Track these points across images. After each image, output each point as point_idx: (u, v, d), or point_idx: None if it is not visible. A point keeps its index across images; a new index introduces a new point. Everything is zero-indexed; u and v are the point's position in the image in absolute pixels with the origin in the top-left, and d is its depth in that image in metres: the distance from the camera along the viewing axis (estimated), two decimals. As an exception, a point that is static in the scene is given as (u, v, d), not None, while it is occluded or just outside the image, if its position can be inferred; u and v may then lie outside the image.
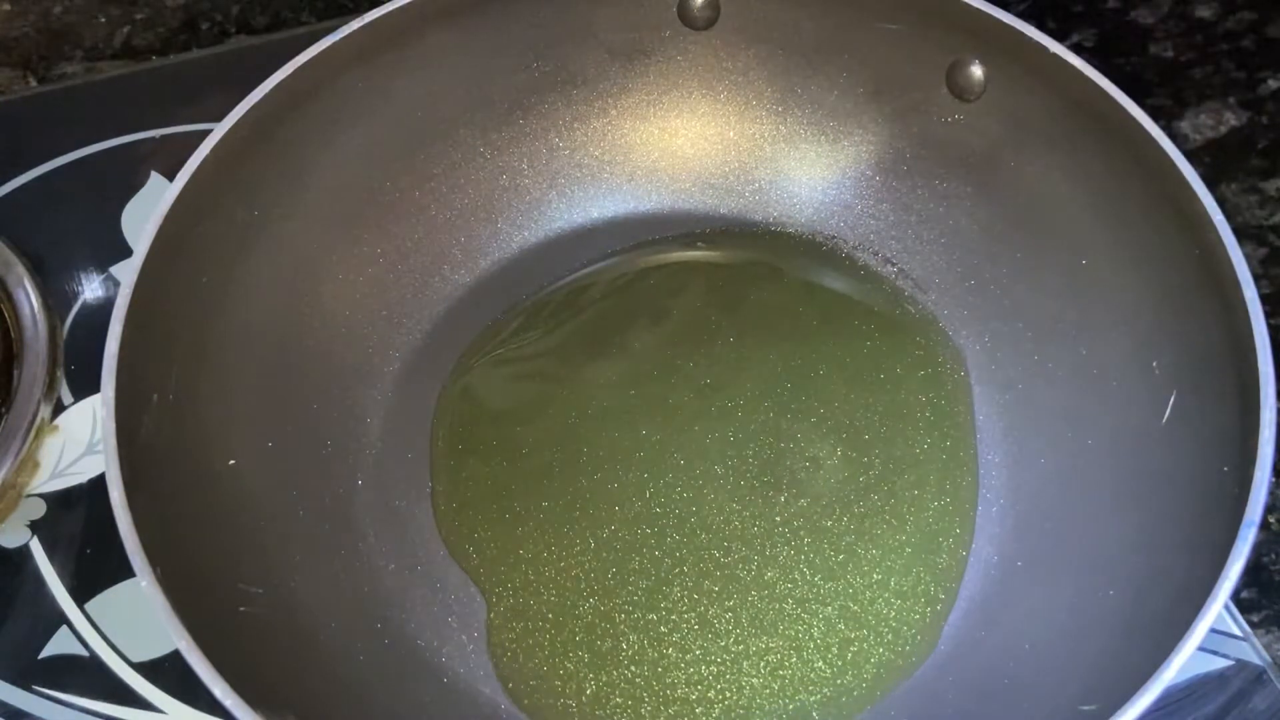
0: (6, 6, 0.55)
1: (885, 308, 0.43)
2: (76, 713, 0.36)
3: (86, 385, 0.42)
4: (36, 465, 0.41)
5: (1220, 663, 0.36)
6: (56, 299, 0.44)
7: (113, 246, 0.46)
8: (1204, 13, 0.54)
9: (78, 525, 0.40)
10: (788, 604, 0.37)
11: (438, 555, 0.38)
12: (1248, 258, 0.33)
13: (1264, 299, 0.32)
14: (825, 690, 0.35)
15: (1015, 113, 0.40)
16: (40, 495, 0.40)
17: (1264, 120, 0.50)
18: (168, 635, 0.28)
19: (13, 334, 0.43)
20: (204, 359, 0.36)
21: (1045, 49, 0.37)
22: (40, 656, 0.37)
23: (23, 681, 0.37)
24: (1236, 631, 0.37)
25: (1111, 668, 0.30)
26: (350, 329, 0.41)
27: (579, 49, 0.44)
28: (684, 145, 0.46)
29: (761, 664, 0.36)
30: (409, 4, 0.39)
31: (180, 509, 0.33)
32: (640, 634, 0.36)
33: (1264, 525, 0.29)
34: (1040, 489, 0.38)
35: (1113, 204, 0.37)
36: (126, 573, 0.32)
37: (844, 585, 0.37)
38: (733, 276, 0.44)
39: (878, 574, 0.37)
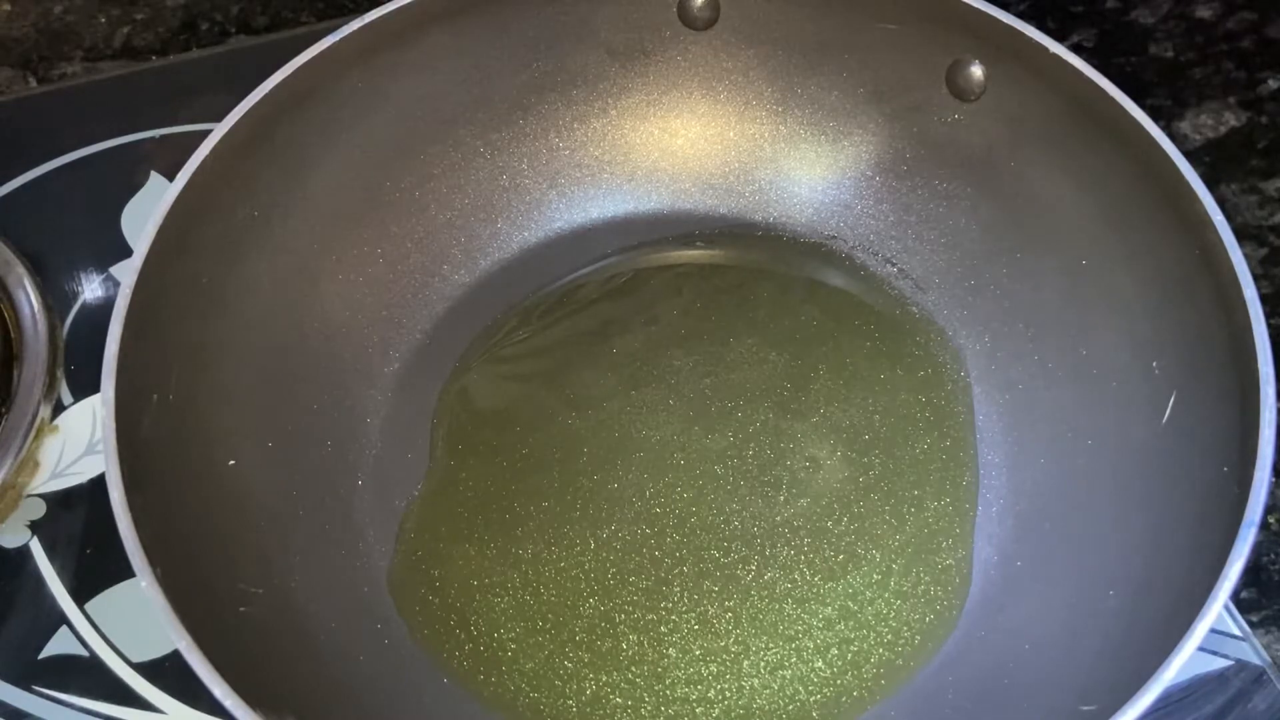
0: (6, 6, 0.55)
1: (885, 308, 0.43)
2: (76, 713, 0.36)
3: (86, 385, 0.42)
4: (36, 465, 0.41)
5: (1220, 663, 0.36)
6: (56, 299, 0.44)
7: (113, 246, 0.46)
8: (1204, 13, 0.54)
9: (78, 525, 0.40)
10: (788, 604, 0.37)
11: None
12: (1248, 258, 0.33)
13: (1264, 299, 0.32)
14: (825, 690, 0.35)
15: (1015, 113, 0.40)
16: (40, 495, 0.40)
17: (1264, 120, 0.50)
18: (168, 635, 0.28)
19: (13, 334, 0.43)
20: (204, 359, 0.36)
21: (1045, 49, 0.37)
22: (40, 656, 0.37)
23: (23, 681, 0.37)
24: (1236, 631, 0.37)
25: (1111, 668, 0.30)
26: (350, 329, 0.41)
27: (579, 49, 0.44)
28: (684, 145, 0.46)
29: (761, 664, 0.36)
30: (409, 4, 0.39)
31: (180, 509, 0.33)
32: (640, 634, 0.36)
33: (1264, 525, 0.29)
34: (1040, 489, 0.38)
35: (1112, 204, 0.37)
36: (126, 573, 0.32)
37: (844, 585, 0.37)
38: (733, 277, 0.44)
39: (878, 574, 0.37)
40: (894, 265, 0.44)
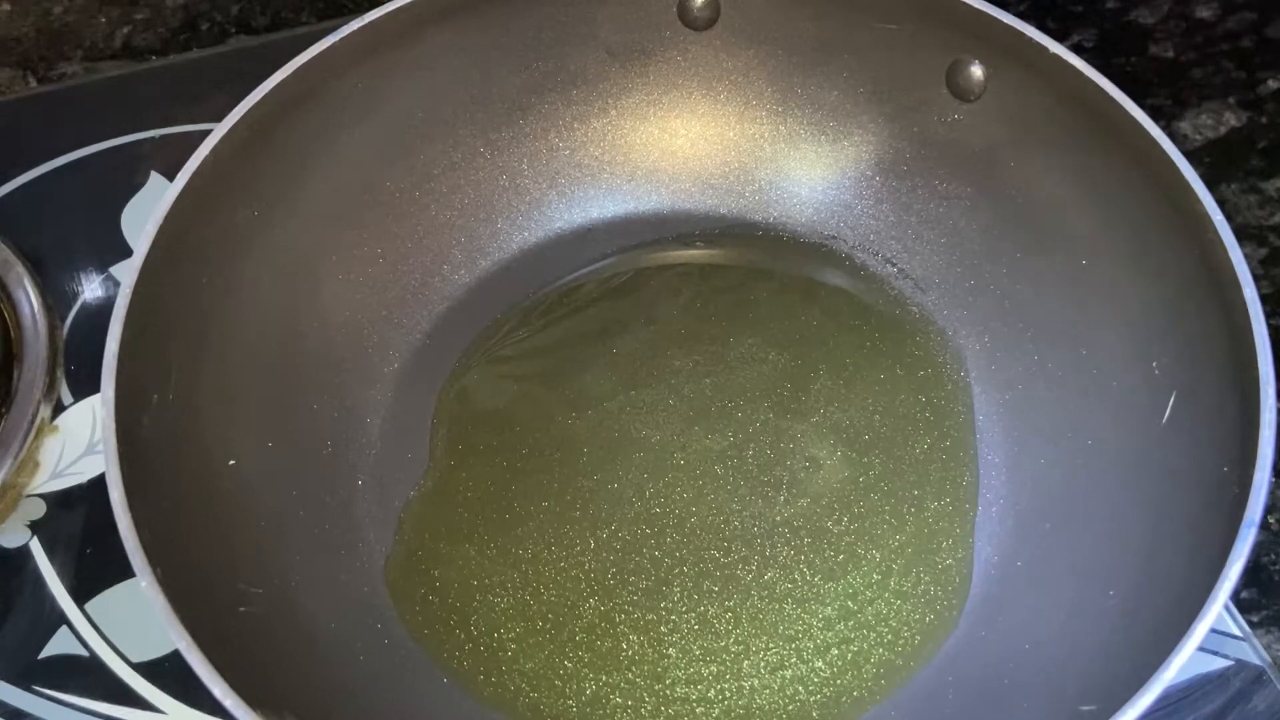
0: (6, 6, 0.55)
1: (885, 308, 0.43)
2: (76, 713, 0.36)
3: (86, 385, 0.42)
4: (36, 465, 0.41)
5: (1220, 663, 0.36)
6: (56, 299, 0.44)
7: (113, 246, 0.46)
8: (1204, 13, 0.54)
9: (78, 525, 0.39)
10: (788, 604, 0.37)
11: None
12: (1248, 258, 0.33)
13: (1264, 299, 0.32)
14: (825, 690, 0.35)
15: (1015, 113, 0.40)
16: (40, 495, 0.40)
17: (1264, 120, 0.50)
18: (168, 635, 0.28)
19: (13, 334, 0.43)
20: (204, 359, 0.36)
21: (1045, 49, 0.37)
22: (40, 656, 0.37)
23: (23, 681, 0.37)
24: (1236, 631, 0.37)
25: (1111, 668, 0.30)
26: (350, 329, 0.41)
27: (579, 49, 0.44)
28: (684, 145, 0.46)
29: (761, 664, 0.36)
30: (409, 4, 0.39)
31: (180, 509, 0.33)
32: (640, 634, 0.36)
33: (1264, 525, 0.29)
34: (1040, 489, 0.38)
35: (1113, 204, 0.37)
36: (126, 573, 0.32)
37: (844, 585, 0.37)
38: (733, 277, 0.44)
39: (878, 574, 0.37)
40: (894, 265, 0.44)
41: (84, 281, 0.45)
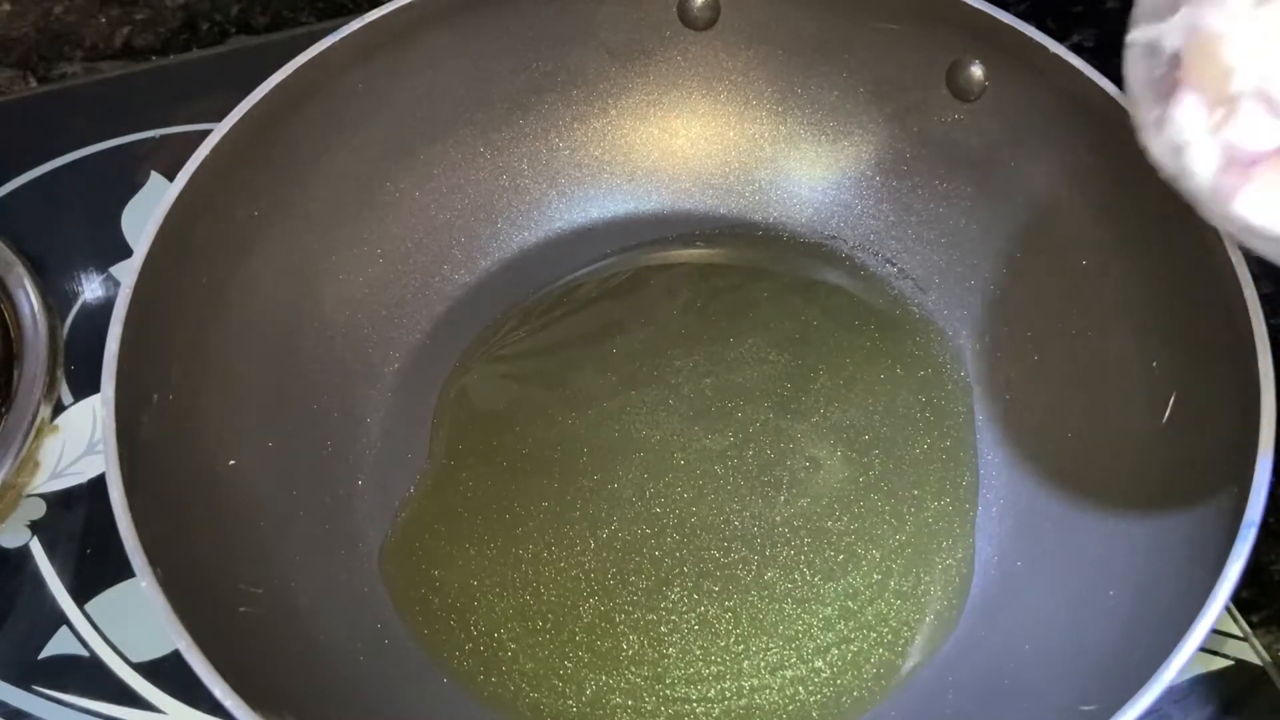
0: (6, 6, 0.55)
1: (885, 308, 0.43)
2: (76, 713, 0.36)
3: (86, 385, 0.42)
4: (36, 465, 0.41)
5: (1220, 663, 0.36)
6: (56, 299, 0.44)
7: (113, 246, 0.46)
8: (1204, 13, 0.54)
9: (78, 525, 0.39)
10: (788, 604, 0.37)
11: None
12: (1247, 258, 0.33)
13: (1264, 299, 0.32)
14: (825, 690, 0.35)
15: (1015, 113, 0.40)
16: (40, 495, 0.40)
17: (1264, 120, 0.50)
18: (168, 635, 0.28)
19: (13, 334, 0.43)
20: (204, 359, 0.36)
21: (1045, 49, 0.37)
22: (40, 656, 0.37)
23: (23, 681, 0.37)
24: (1236, 631, 0.37)
25: (1111, 668, 0.30)
26: (350, 329, 0.41)
27: (579, 49, 0.44)
28: (684, 145, 0.46)
29: (761, 664, 0.36)
30: (409, 4, 0.39)
31: (180, 509, 0.33)
32: (640, 634, 0.36)
33: (1264, 525, 0.29)
34: (1040, 489, 0.38)
35: (1113, 204, 0.37)
36: (126, 573, 0.32)
37: (844, 585, 0.37)
38: (733, 277, 0.44)
39: (878, 574, 0.37)
40: (894, 265, 0.44)
41: (84, 281, 0.45)
